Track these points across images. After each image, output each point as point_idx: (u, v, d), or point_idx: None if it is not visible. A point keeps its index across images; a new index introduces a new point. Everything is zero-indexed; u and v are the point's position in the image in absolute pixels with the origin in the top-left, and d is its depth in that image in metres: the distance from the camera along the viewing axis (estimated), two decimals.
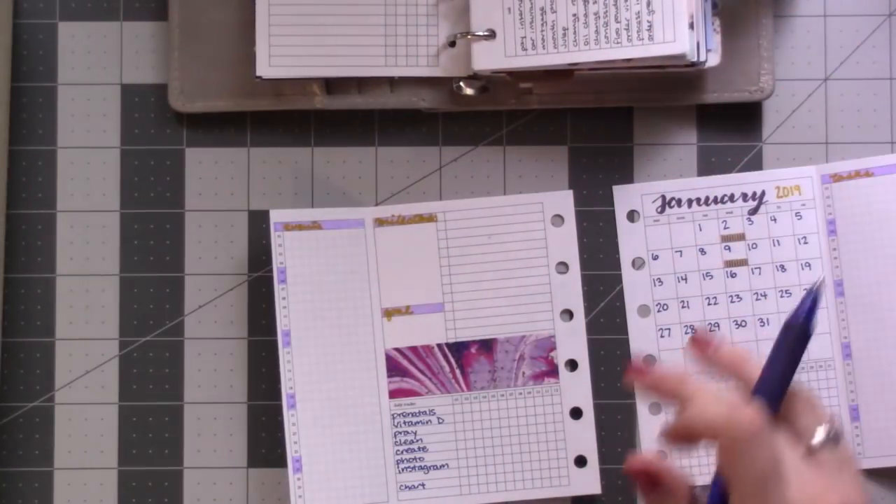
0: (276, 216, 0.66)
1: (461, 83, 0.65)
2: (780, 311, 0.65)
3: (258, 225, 0.67)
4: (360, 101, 0.66)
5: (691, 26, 0.56)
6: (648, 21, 0.58)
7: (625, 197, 0.67)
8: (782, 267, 0.66)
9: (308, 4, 0.65)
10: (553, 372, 0.66)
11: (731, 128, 0.67)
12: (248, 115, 0.68)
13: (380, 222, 0.67)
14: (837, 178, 0.66)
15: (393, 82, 0.66)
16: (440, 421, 0.66)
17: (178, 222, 0.67)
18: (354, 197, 0.67)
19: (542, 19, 0.62)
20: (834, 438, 0.53)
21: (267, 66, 0.64)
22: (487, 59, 0.63)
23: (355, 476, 0.66)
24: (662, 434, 0.53)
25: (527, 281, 0.66)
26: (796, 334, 0.53)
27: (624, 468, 0.56)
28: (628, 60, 0.61)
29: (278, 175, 0.67)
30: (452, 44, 0.64)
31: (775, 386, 0.52)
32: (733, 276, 0.66)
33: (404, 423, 0.66)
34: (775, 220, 0.66)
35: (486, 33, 0.63)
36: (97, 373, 0.67)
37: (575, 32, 0.61)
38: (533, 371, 0.66)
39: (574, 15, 0.60)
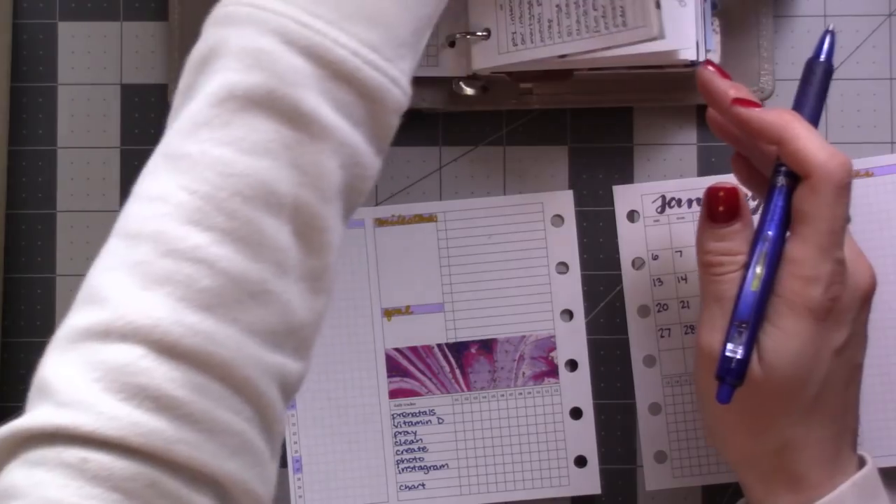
0: None
1: (461, 83, 0.65)
2: None
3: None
4: None
5: (658, 5, 0.56)
6: (621, 6, 0.58)
7: (625, 197, 0.67)
8: None
9: None
10: (553, 372, 0.66)
11: None
12: None
13: (380, 222, 0.67)
14: None
15: None
16: (440, 421, 0.66)
17: None
18: None
19: (530, 13, 0.61)
20: None
21: None
22: (485, 58, 0.63)
23: (355, 476, 0.66)
24: (736, 116, 0.55)
25: (527, 281, 0.66)
26: (823, 71, 0.56)
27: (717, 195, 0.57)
28: (611, 51, 0.61)
29: None
30: (452, 44, 0.64)
31: (809, 121, 0.55)
32: None
33: (404, 423, 0.66)
34: None
35: (483, 33, 0.63)
36: None
37: (559, 24, 0.60)
38: (533, 371, 0.66)
39: (557, 6, 0.60)
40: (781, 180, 0.54)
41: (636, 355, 0.66)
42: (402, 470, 0.66)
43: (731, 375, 0.53)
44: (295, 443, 0.65)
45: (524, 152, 0.67)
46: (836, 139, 0.67)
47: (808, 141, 0.53)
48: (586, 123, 0.67)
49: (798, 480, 0.55)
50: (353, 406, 0.66)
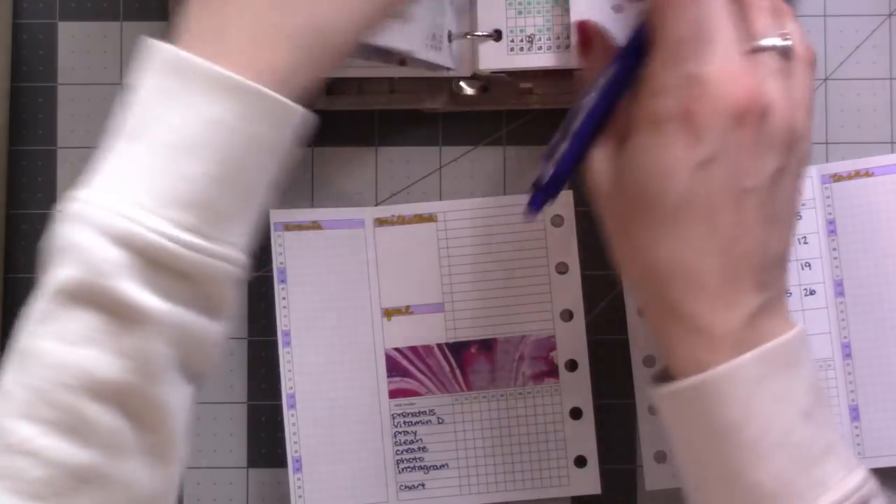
0: (276, 216, 0.66)
1: (461, 83, 0.65)
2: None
3: (258, 225, 0.67)
4: (360, 101, 0.66)
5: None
6: None
7: None
8: None
9: None
10: (553, 372, 0.66)
11: None
12: None
13: (380, 222, 0.67)
14: (837, 178, 0.66)
15: (393, 82, 0.66)
16: (440, 421, 0.66)
17: None
18: (354, 197, 0.67)
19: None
20: (783, 52, 0.53)
21: None
22: (493, 59, 0.63)
23: (355, 476, 0.66)
24: None
25: (527, 281, 0.66)
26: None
27: (576, 28, 0.60)
28: None
29: None
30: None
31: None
32: None
33: (404, 423, 0.66)
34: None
35: (491, 34, 0.63)
36: None
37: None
38: (533, 371, 0.66)
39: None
40: (631, 37, 0.55)
41: (636, 355, 0.66)
42: (402, 470, 0.66)
43: (542, 188, 0.56)
44: (295, 443, 0.65)
45: (524, 152, 0.67)
46: (836, 139, 0.67)
47: None
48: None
49: (676, 309, 0.52)
50: (353, 406, 0.66)
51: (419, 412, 0.66)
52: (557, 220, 0.67)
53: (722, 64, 0.51)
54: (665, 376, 0.54)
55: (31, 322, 0.48)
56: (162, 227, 0.47)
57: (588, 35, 0.60)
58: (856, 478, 0.51)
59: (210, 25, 0.50)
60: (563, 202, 0.66)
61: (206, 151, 0.48)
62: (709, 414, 0.51)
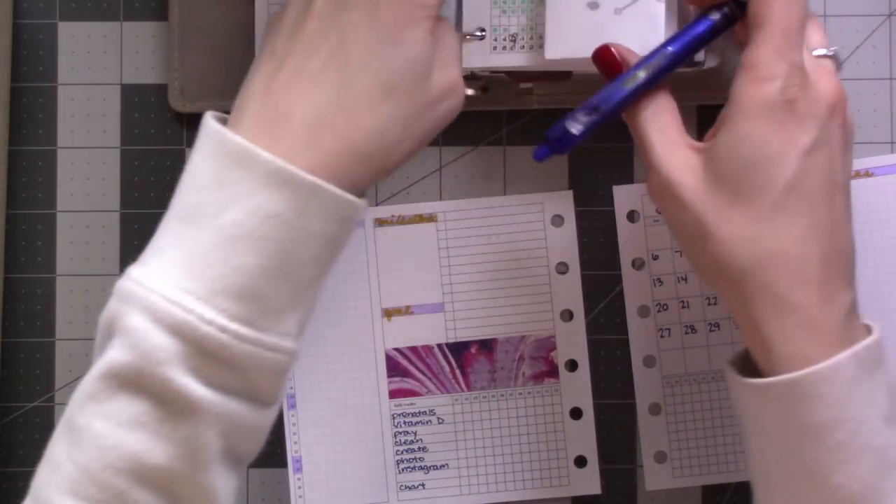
0: None
1: None
2: None
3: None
4: None
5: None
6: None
7: (625, 197, 0.67)
8: None
9: None
10: (553, 372, 0.66)
11: None
12: None
13: (380, 222, 0.67)
14: None
15: None
16: (440, 421, 0.66)
17: None
18: None
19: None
20: (836, 59, 0.55)
21: None
22: (477, 57, 0.63)
23: (355, 476, 0.66)
24: None
25: (527, 281, 0.66)
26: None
27: (594, 55, 0.57)
28: None
29: None
30: None
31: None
32: None
33: (404, 423, 0.66)
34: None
35: (478, 32, 0.63)
36: None
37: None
38: (533, 371, 0.66)
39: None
40: (715, 13, 0.55)
41: (636, 355, 0.66)
42: (402, 470, 0.66)
43: (557, 143, 0.55)
44: (295, 443, 0.66)
45: (524, 152, 0.67)
46: None
47: None
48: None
49: (786, 302, 0.51)
50: (353, 406, 0.66)
51: (419, 412, 0.66)
52: (557, 221, 0.67)
53: (811, 61, 0.53)
54: (746, 367, 0.53)
55: (83, 397, 0.49)
56: (215, 318, 0.47)
57: (608, 60, 0.57)
58: None
59: (271, 115, 0.50)
60: (564, 202, 0.66)
61: (262, 244, 0.48)
62: (801, 412, 0.50)
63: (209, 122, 0.51)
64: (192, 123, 0.67)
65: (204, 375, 0.48)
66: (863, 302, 0.63)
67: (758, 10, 0.53)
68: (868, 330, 0.53)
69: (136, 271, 0.49)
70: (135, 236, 0.67)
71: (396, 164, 0.53)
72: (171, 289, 0.48)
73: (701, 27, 0.56)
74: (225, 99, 0.67)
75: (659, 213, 0.65)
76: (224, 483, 0.50)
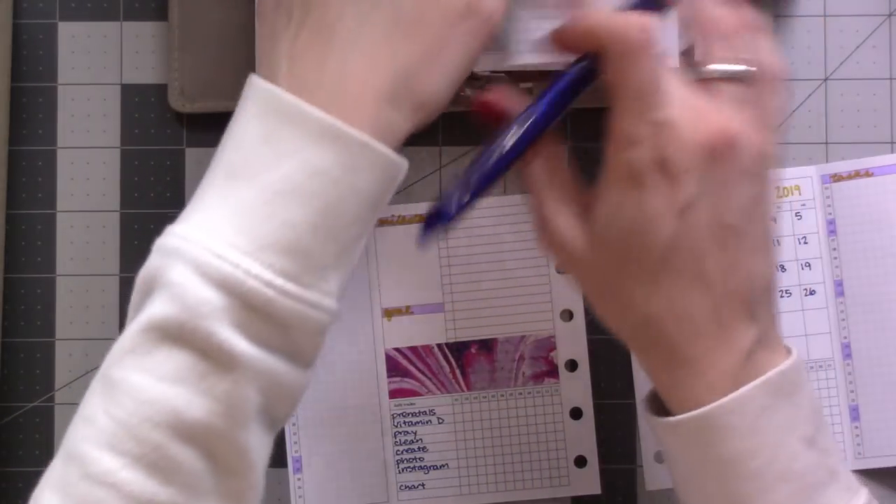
0: None
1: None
2: (780, 311, 0.65)
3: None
4: None
5: None
6: None
7: None
8: (782, 267, 0.66)
9: None
10: (553, 372, 0.66)
11: None
12: None
13: (380, 222, 0.67)
14: (837, 178, 0.66)
15: None
16: (440, 421, 0.66)
17: None
18: None
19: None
20: (743, 76, 0.53)
21: None
22: (486, 60, 0.63)
23: (355, 476, 0.66)
24: (550, 37, 0.54)
25: (527, 281, 0.66)
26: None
27: (475, 105, 0.56)
28: None
29: None
30: None
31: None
32: None
33: (404, 423, 0.66)
34: (775, 220, 0.66)
35: None
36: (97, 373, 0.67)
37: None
38: (533, 371, 0.66)
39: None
40: (574, 68, 0.53)
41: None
42: (402, 470, 0.66)
43: (435, 224, 0.53)
44: (295, 443, 0.66)
45: None
46: (837, 139, 0.67)
47: (596, 16, 0.52)
48: (586, 123, 0.67)
49: (675, 356, 0.51)
50: (353, 406, 0.66)
51: (419, 412, 0.66)
52: None
53: (684, 104, 0.51)
54: (660, 404, 0.54)
55: (121, 352, 0.48)
56: (262, 273, 0.47)
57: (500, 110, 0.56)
58: (858, 502, 0.51)
59: (311, 76, 0.50)
60: None
61: (310, 199, 0.48)
62: (714, 445, 0.50)
63: (257, 81, 0.50)
64: (192, 123, 0.67)
65: (247, 330, 0.47)
66: (863, 302, 0.63)
67: (608, 79, 0.52)
68: (788, 352, 0.53)
69: (179, 227, 0.49)
70: (135, 236, 0.67)
71: (433, 101, 0.52)
72: (217, 243, 0.47)
73: (561, 82, 0.54)
74: (225, 99, 0.67)
75: None
76: (259, 443, 0.49)
